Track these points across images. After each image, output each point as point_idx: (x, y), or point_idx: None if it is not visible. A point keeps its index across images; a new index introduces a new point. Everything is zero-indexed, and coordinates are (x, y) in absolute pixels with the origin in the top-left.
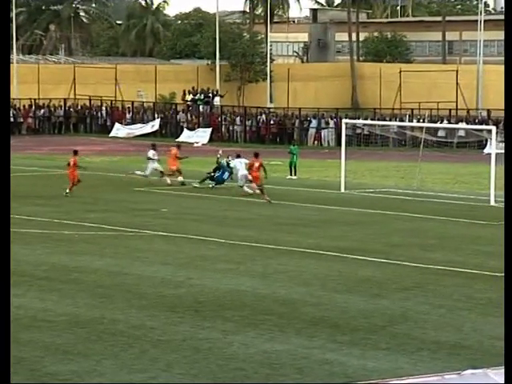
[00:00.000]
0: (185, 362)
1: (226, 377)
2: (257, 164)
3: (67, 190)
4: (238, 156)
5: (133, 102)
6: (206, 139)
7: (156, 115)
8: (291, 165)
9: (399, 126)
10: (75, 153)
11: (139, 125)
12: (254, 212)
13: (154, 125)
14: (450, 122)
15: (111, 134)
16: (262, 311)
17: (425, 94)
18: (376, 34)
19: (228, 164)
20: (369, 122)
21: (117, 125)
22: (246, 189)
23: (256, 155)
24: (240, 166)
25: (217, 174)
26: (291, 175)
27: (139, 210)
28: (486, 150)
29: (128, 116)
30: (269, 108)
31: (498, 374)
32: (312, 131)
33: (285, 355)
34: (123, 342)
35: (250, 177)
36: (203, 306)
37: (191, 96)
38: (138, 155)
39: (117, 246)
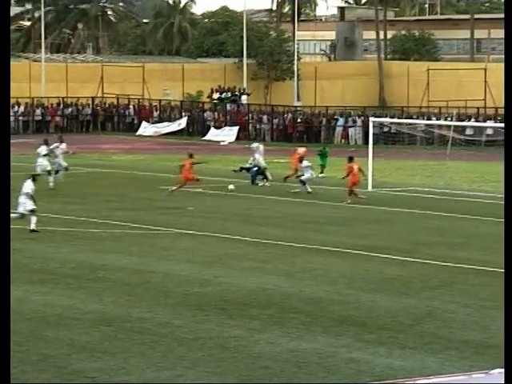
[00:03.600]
0: (211, 360)
1: (253, 375)
2: (356, 167)
3: (173, 188)
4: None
5: (160, 101)
6: (232, 138)
7: (183, 114)
8: (322, 164)
9: (427, 125)
10: (190, 156)
11: (166, 123)
12: (280, 210)
13: (181, 123)
14: (477, 121)
15: (138, 133)
16: (289, 310)
17: (453, 93)
18: (403, 32)
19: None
20: (396, 120)
21: (144, 123)
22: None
23: (351, 159)
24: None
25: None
26: (322, 173)
27: (165, 208)
28: None
29: (155, 114)
30: (296, 106)
31: None
32: (339, 129)
33: (311, 354)
34: (150, 340)
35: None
36: (229, 304)
37: (218, 94)
38: (164, 154)
39: (143, 245)
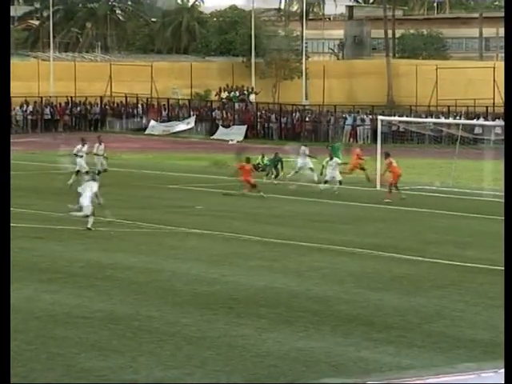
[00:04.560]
0: (219, 358)
1: (261, 374)
2: (394, 161)
3: (244, 191)
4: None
5: (168, 100)
6: (241, 136)
7: (191, 112)
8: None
9: (435, 123)
10: (247, 160)
11: (174, 122)
12: (287, 209)
13: (190, 122)
14: (486, 119)
15: (147, 132)
16: (297, 308)
17: (461, 91)
18: (412, 30)
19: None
20: (404, 119)
21: (152, 122)
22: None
23: (387, 155)
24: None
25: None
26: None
27: (173, 206)
28: None
29: (163, 113)
30: (304, 105)
31: None
32: (347, 128)
33: (319, 352)
34: (158, 339)
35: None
36: (237, 303)
37: (226, 93)
38: (172, 152)
39: (151, 243)
